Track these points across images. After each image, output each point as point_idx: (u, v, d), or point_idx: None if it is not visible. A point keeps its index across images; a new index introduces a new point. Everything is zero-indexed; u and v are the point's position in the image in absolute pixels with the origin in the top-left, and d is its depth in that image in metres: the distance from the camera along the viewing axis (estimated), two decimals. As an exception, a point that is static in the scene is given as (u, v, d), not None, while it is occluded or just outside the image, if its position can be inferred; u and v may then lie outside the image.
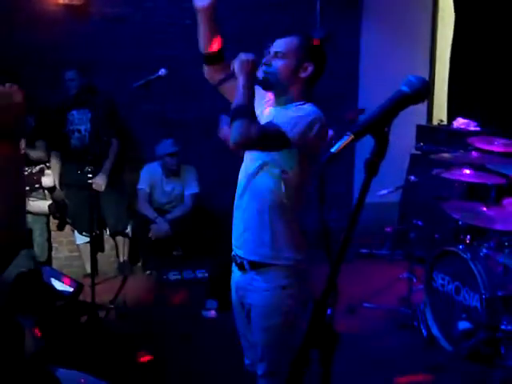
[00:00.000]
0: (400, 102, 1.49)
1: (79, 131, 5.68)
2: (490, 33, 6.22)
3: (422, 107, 7.34)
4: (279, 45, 2.60)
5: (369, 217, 6.75)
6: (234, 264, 2.79)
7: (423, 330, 4.44)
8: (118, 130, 5.84)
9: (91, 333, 4.43)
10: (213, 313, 4.91)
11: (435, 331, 4.37)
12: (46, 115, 5.62)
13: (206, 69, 2.79)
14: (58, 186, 5.66)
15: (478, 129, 5.90)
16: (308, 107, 2.55)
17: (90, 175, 4.58)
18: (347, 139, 1.46)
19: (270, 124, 2.47)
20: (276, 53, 2.59)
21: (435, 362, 4.06)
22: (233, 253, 2.77)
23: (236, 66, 2.52)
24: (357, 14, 6.93)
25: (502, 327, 3.90)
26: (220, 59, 2.75)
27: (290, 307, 2.61)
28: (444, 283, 4.39)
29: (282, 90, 2.62)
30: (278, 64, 2.58)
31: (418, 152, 6.32)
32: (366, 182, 1.47)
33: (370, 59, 7.02)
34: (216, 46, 2.72)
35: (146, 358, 4.13)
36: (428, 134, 6.32)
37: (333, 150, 1.46)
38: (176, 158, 5.77)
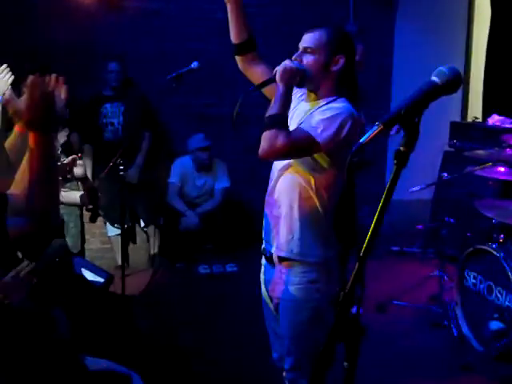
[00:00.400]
0: (430, 93, 1.46)
1: (112, 124, 5.74)
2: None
3: (456, 104, 7.26)
4: (308, 40, 2.56)
5: (401, 214, 6.79)
6: (263, 257, 2.79)
7: (454, 330, 4.38)
8: (151, 124, 5.88)
9: (120, 324, 4.46)
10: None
11: (466, 330, 4.30)
12: (79, 108, 5.67)
13: (237, 59, 2.80)
14: (90, 178, 5.70)
15: (513, 126, 5.81)
16: (339, 104, 2.51)
17: (122, 167, 4.59)
18: (376, 129, 1.44)
19: (298, 131, 2.44)
20: (305, 48, 2.55)
21: (465, 361, 4.00)
22: (262, 246, 2.77)
23: (278, 73, 2.49)
24: (391, 11, 6.85)
25: (535, 328, 3.83)
26: (251, 48, 2.76)
27: (317, 302, 2.60)
28: (476, 282, 4.32)
29: (314, 86, 2.58)
30: (309, 60, 2.53)
31: (452, 149, 6.24)
32: (395, 173, 1.45)
33: (404, 56, 6.93)
34: (246, 35, 2.73)
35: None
36: (462, 130, 6.23)
37: (362, 140, 1.44)
38: (207, 152, 5.79)
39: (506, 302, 4.01)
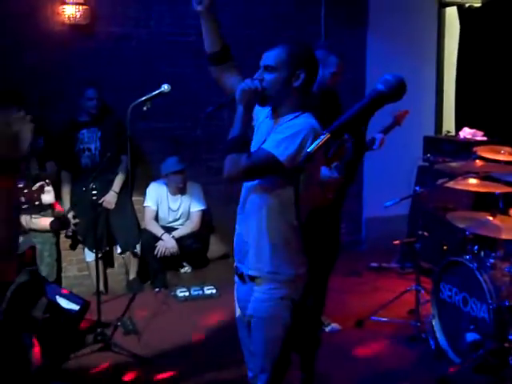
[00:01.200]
0: (376, 101, 1.47)
1: (89, 150, 5.72)
2: (495, 43, 6.22)
3: (430, 118, 7.34)
4: (268, 58, 2.57)
5: (379, 230, 6.83)
6: (235, 275, 2.78)
7: (431, 342, 4.39)
8: (127, 148, 5.87)
9: (96, 350, 4.43)
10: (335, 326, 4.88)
11: (443, 343, 4.31)
12: (54, 135, 5.66)
13: (211, 69, 2.81)
14: (69, 205, 5.67)
15: (484, 138, 5.88)
16: (300, 120, 2.52)
17: (95, 192, 4.57)
18: (323, 138, 1.45)
19: (261, 152, 2.46)
20: (266, 66, 2.57)
21: (443, 374, 4.00)
22: (234, 264, 2.77)
23: (237, 94, 2.52)
24: (362, 26, 6.93)
25: (510, 338, 3.84)
26: (225, 59, 2.78)
27: (288, 319, 2.59)
28: (451, 294, 4.34)
29: (276, 104, 2.60)
30: (270, 78, 2.55)
31: (426, 163, 6.29)
32: (346, 180, 1.45)
33: (376, 71, 6.98)
34: (220, 45, 2.75)
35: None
36: (435, 145, 6.30)
37: (309, 149, 1.45)
38: (181, 175, 5.81)
39: (481, 313, 4.03)
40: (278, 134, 2.48)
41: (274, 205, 2.54)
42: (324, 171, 4.41)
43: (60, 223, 4.59)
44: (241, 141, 2.47)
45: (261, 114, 2.72)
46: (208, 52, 2.77)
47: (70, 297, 4.65)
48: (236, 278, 2.78)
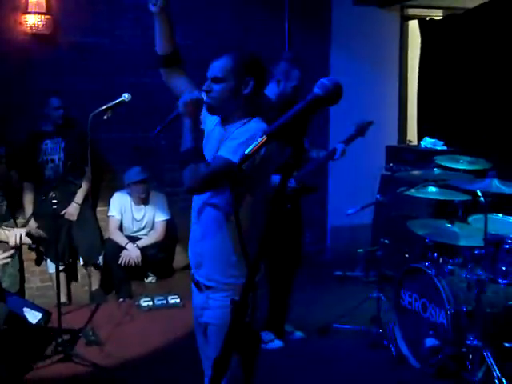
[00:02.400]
0: (313, 104, 1.50)
1: (53, 161, 5.68)
2: (455, 55, 6.34)
3: (393, 128, 7.43)
4: (215, 69, 2.56)
5: (343, 239, 6.89)
6: (192, 282, 2.78)
7: (392, 349, 4.43)
8: (91, 158, 5.84)
9: (57, 360, 4.39)
10: (278, 343, 4.75)
11: (404, 349, 4.36)
12: (16, 145, 5.61)
13: (162, 71, 2.82)
14: (32, 216, 5.61)
15: (444, 148, 5.97)
16: (252, 125, 2.53)
17: (55, 201, 4.54)
18: (260, 141, 1.47)
19: (218, 160, 2.45)
20: (213, 78, 2.56)
21: (403, 380, 4.03)
22: (191, 271, 2.76)
23: (180, 107, 2.51)
24: (325, 39, 7.01)
25: (468, 342, 3.90)
26: (176, 61, 2.79)
27: None
28: (411, 301, 4.39)
29: (226, 112, 2.60)
30: (218, 88, 2.54)
31: (389, 172, 6.37)
32: (282, 183, 1.48)
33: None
34: (171, 48, 2.77)
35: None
36: (397, 154, 6.39)
37: (246, 151, 1.48)
38: (143, 185, 5.80)
39: (440, 319, 4.09)
40: (232, 140, 2.47)
41: (228, 217, 2.52)
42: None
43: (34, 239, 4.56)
44: (194, 151, 2.46)
45: (208, 119, 2.72)
46: (160, 53, 2.78)
47: (32, 307, 4.62)
48: (193, 286, 2.78)
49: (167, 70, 2.81)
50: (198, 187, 2.47)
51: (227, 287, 2.59)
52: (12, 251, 4.00)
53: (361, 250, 6.05)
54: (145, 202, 5.92)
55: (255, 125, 2.53)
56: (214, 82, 2.55)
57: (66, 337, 4.58)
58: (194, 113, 2.52)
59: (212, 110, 2.59)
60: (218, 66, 2.56)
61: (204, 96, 2.54)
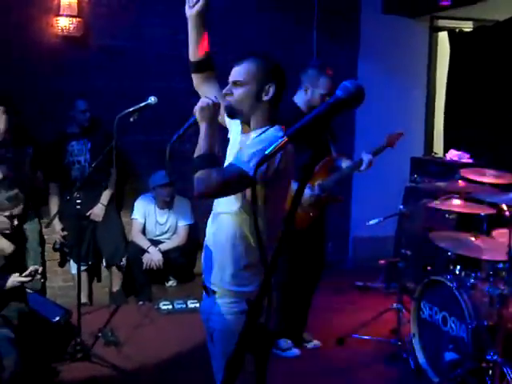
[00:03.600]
0: (335, 107, 1.50)
1: (79, 162, 5.74)
2: (484, 67, 6.29)
3: (419, 140, 7.38)
4: (237, 73, 2.57)
5: (366, 250, 6.84)
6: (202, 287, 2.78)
7: (411, 362, 4.39)
8: (118, 161, 5.89)
9: (76, 359, 4.42)
10: (296, 351, 4.74)
11: (423, 362, 4.31)
12: (43, 146, 5.67)
13: (193, 76, 2.82)
14: (57, 217, 5.65)
15: (470, 161, 5.92)
16: (269, 134, 2.51)
17: (79, 201, 4.59)
18: (281, 141, 1.47)
19: (231, 167, 2.44)
20: (234, 82, 2.57)
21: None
22: (202, 276, 2.76)
23: (197, 113, 2.51)
24: (353, 49, 7.00)
25: (488, 357, 3.83)
26: (208, 67, 2.79)
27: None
28: (432, 313, 4.35)
29: (246, 117, 2.59)
30: (239, 92, 2.55)
31: (413, 184, 6.33)
32: (301, 184, 1.48)
33: (367, 95, 7.00)
34: (204, 52, 2.76)
35: None
36: (422, 166, 6.35)
37: (267, 152, 1.48)
38: (169, 189, 5.82)
39: (460, 333, 4.04)
40: (248, 148, 2.46)
41: (243, 226, 2.51)
42: (306, 190, 4.45)
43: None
44: (209, 157, 2.44)
45: (233, 128, 2.73)
46: (192, 59, 2.78)
47: (52, 306, 4.67)
48: (203, 290, 2.78)
49: (199, 76, 2.81)
50: (208, 193, 2.44)
51: (234, 294, 2.56)
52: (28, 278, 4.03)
53: (382, 261, 6.00)
54: (169, 205, 5.95)
55: (273, 134, 2.51)
56: (235, 85, 2.56)
57: (85, 336, 4.61)
58: (210, 118, 2.50)
59: (231, 114, 2.60)
60: (239, 70, 2.57)
61: (221, 100, 2.55)
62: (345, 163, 4.70)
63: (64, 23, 5.78)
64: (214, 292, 2.62)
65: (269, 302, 1.46)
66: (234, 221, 2.52)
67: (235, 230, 2.52)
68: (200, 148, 2.47)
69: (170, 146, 2.63)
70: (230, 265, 2.56)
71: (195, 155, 2.48)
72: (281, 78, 2.60)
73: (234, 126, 2.73)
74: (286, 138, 1.47)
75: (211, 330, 2.69)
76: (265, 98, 2.55)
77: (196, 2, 2.69)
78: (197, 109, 2.52)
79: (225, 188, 2.43)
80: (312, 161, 1.47)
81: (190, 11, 2.71)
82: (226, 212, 2.56)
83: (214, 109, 2.52)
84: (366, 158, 4.64)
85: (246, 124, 2.62)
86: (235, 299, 2.56)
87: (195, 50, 2.77)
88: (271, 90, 2.55)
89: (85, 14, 5.93)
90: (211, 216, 2.69)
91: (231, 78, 2.59)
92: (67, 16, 5.78)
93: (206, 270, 2.69)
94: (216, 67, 2.84)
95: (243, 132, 2.65)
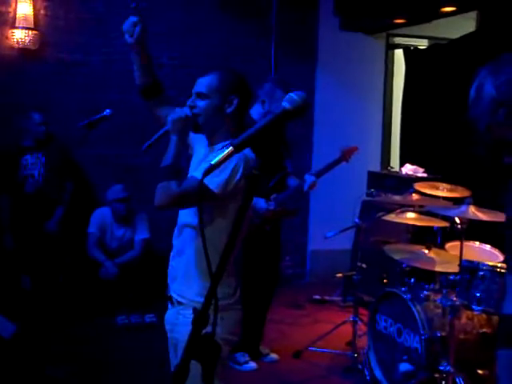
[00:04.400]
0: (281, 118, 1.53)
1: (32, 176, 5.66)
2: (438, 84, 6.42)
3: (376, 154, 7.48)
4: (200, 85, 2.60)
5: (323, 264, 6.89)
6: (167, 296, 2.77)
7: (366, 373, 4.42)
8: (72, 174, 5.85)
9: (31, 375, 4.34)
10: (252, 364, 4.73)
11: (378, 374, 4.35)
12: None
13: (146, 103, 2.84)
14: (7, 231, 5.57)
15: (424, 175, 6.03)
16: None
17: (35, 217, 4.53)
18: (227, 151, 1.49)
19: (191, 180, 2.47)
20: (198, 94, 2.59)
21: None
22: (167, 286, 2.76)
23: (169, 124, 2.54)
24: (312, 63, 7.08)
25: (441, 368, 3.89)
26: (157, 93, 2.80)
27: None
28: (387, 325, 4.39)
29: (211, 130, 2.62)
30: (202, 104, 2.57)
31: (369, 198, 6.40)
32: (247, 194, 1.49)
33: (325, 108, 7.14)
34: (151, 79, 2.78)
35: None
36: (378, 180, 6.43)
37: (213, 162, 1.49)
38: (125, 203, 5.80)
39: (414, 344, 4.08)
40: (209, 161, 2.47)
41: (207, 236, 2.51)
42: (261, 203, 4.48)
43: None
44: (172, 169, 2.46)
45: (198, 142, 2.74)
46: (139, 85, 2.80)
47: (4, 322, 4.57)
48: (168, 300, 2.78)
49: (150, 102, 2.83)
50: (166, 205, 2.47)
51: (197, 305, 2.56)
52: None
53: (339, 275, 6.05)
54: (126, 219, 5.91)
55: None
56: (199, 97, 2.58)
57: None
58: (181, 130, 2.54)
59: (195, 127, 2.59)
60: (203, 83, 2.59)
61: (188, 111, 2.56)
62: (293, 182, 4.74)
63: (20, 35, 5.74)
64: (180, 303, 2.62)
65: (215, 311, 1.47)
66: (196, 230, 2.53)
67: (197, 239, 2.53)
68: (165, 159, 2.49)
69: (144, 152, 2.62)
70: (196, 276, 2.56)
71: (160, 165, 2.49)
72: (245, 90, 2.63)
73: (197, 142, 2.73)
74: (231, 148, 1.48)
75: (175, 341, 2.67)
76: (228, 110, 2.58)
77: (133, 31, 2.69)
78: (169, 120, 2.53)
79: (182, 200, 2.45)
80: (257, 170, 1.48)
81: (130, 40, 2.71)
82: (190, 224, 2.57)
83: (186, 122, 2.54)
84: (309, 179, 4.71)
85: (211, 137, 2.63)
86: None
87: (141, 76, 2.78)
88: (235, 102, 2.57)
89: (41, 27, 5.90)
90: (177, 228, 2.69)
91: (195, 90, 2.61)
92: (23, 28, 5.75)
93: (171, 280, 2.69)
94: (164, 89, 2.84)
95: (208, 145, 2.66)
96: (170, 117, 2.53)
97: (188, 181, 2.47)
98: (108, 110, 4.40)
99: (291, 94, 1.56)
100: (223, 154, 1.48)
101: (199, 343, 1.45)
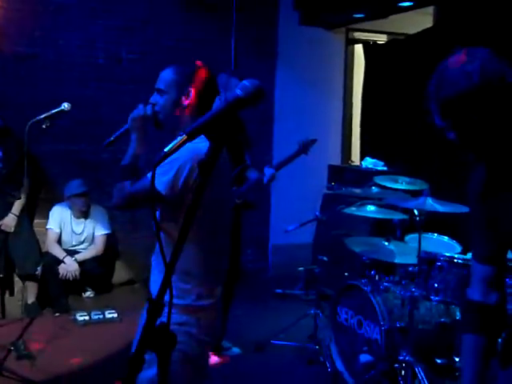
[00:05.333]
0: (233, 105, 1.53)
1: None
2: (397, 78, 6.49)
3: (336, 148, 7.53)
4: (159, 81, 2.58)
5: (285, 257, 6.91)
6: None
7: (328, 365, 4.45)
8: (29, 170, 5.74)
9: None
10: (215, 358, 4.69)
11: (339, 365, 4.38)
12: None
13: None
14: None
15: (384, 168, 6.09)
16: (188, 145, 2.43)
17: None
18: (180, 139, 1.48)
19: (142, 181, 2.41)
20: (157, 90, 2.57)
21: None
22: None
23: (129, 123, 2.52)
24: (272, 58, 7.08)
25: (400, 358, 3.94)
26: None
27: (185, 345, 2.44)
28: (347, 317, 4.42)
29: (171, 127, 2.55)
30: (161, 100, 2.55)
31: (330, 191, 6.45)
32: (201, 182, 1.48)
33: (285, 104, 7.15)
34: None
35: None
36: (339, 173, 6.48)
37: (166, 149, 1.48)
38: (84, 198, 5.74)
39: (374, 335, 4.13)
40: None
41: (170, 238, 2.39)
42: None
43: None
44: (129, 169, 2.44)
45: None
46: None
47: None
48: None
49: None
50: (120, 205, 2.47)
51: (173, 306, 2.52)
52: None
53: (301, 269, 6.08)
54: (85, 215, 5.85)
55: (191, 145, 2.46)
56: (159, 93, 2.56)
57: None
58: (139, 129, 2.51)
59: (157, 125, 2.56)
60: (161, 79, 2.57)
61: (149, 109, 2.53)
62: (253, 174, 4.74)
63: (-26, 28, 5.62)
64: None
65: (170, 300, 1.46)
66: (167, 232, 2.41)
67: (167, 243, 2.34)
68: (125, 157, 2.47)
69: (104, 148, 2.64)
70: (161, 275, 2.49)
71: (120, 164, 2.47)
72: (202, 81, 2.56)
73: None
74: (185, 136, 1.47)
75: None
76: (185, 102, 2.53)
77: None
78: (130, 118, 2.52)
79: (133, 202, 2.45)
80: (210, 158, 1.48)
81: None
82: (161, 223, 2.50)
83: (144, 120, 2.52)
84: (268, 172, 4.73)
85: (173, 134, 2.52)
86: (174, 310, 2.50)
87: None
88: (191, 93, 2.52)
89: (-3, 20, 5.78)
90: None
91: (156, 86, 2.58)
92: (-22, 21, 5.63)
93: (151, 281, 2.61)
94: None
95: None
96: (131, 115, 2.52)
97: (140, 181, 2.42)
98: (66, 104, 4.36)
99: (244, 82, 1.56)
100: (176, 142, 1.47)
101: (154, 333, 1.43)
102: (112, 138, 2.61)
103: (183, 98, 2.53)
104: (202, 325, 2.52)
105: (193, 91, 2.52)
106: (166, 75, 2.56)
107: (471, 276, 2.09)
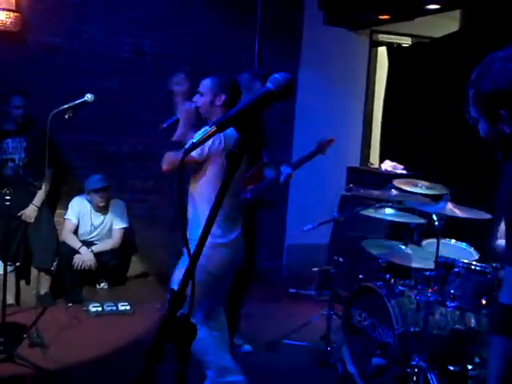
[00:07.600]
0: (264, 98, 1.52)
1: (13, 160, 5.58)
2: (420, 81, 6.44)
3: (356, 150, 7.50)
4: (200, 85, 3.60)
5: (300, 258, 6.88)
6: None
7: (339, 367, 4.42)
8: (53, 161, 5.76)
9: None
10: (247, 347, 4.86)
11: (350, 368, 4.35)
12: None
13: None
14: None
15: (404, 172, 6.04)
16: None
17: (8, 197, 4.46)
18: (210, 130, 1.48)
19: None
20: (198, 92, 3.60)
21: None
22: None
23: (179, 113, 3.58)
24: (295, 59, 7.05)
25: (413, 363, 3.91)
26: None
27: (201, 280, 2.77)
28: (361, 319, 4.40)
29: (207, 120, 3.56)
30: (200, 100, 3.59)
31: (348, 193, 6.41)
32: (228, 173, 1.48)
33: (306, 102, 7.12)
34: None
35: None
36: (357, 175, 6.45)
37: (194, 140, 1.49)
38: (103, 193, 5.76)
39: (387, 339, 4.09)
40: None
41: (197, 189, 3.50)
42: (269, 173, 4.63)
43: None
44: (177, 143, 3.43)
45: None
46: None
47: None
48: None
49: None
50: (167, 168, 3.43)
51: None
52: None
53: (316, 269, 6.06)
54: (104, 209, 5.87)
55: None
56: (199, 94, 3.59)
57: (8, 336, 4.48)
58: (187, 118, 3.55)
59: (199, 117, 3.56)
60: (201, 84, 3.62)
61: (194, 105, 3.57)
62: (270, 173, 4.74)
63: (1, 17, 5.64)
64: None
65: (192, 292, 1.45)
66: (196, 190, 3.50)
67: (196, 195, 3.50)
68: (175, 136, 3.50)
69: (156, 135, 3.73)
70: (191, 219, 3.46)
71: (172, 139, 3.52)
72: (232, 88, 3.61)
73: None
74: (215, 128, 1.48)
75: None
76: (218, 104, 3.57)
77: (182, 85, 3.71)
78: (179, 109, 3.58)
79: (172, 167, 3.39)
80: (238, 150, 1.47)
81: (177, 89, 3.70)
82: (191, 193, 3.53)
83: (192, 113, 3.56)
84: (285, 171, 4.73)
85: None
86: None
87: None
88: (223, 97, 3.56)
89: (23, 9, 5.81)
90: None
91: (198, 89, 3.61)
92: (4, 10, 5.65)
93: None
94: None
95: None
96: (184, 107, 3.55)
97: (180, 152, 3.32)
98: (89, 95, 4.36)
99: (275, 75, 1.55)
100: (206, 133, 1.47)
101: (174, 325, 1.43)
102: (165, 125, 3.61)
103: (216, 100, 3.56)
104: (210, 259, 3.36)
105: (224, 96, 3.55)
106: (206, 82, 3.60)
107: (503, 279, 2.11)
